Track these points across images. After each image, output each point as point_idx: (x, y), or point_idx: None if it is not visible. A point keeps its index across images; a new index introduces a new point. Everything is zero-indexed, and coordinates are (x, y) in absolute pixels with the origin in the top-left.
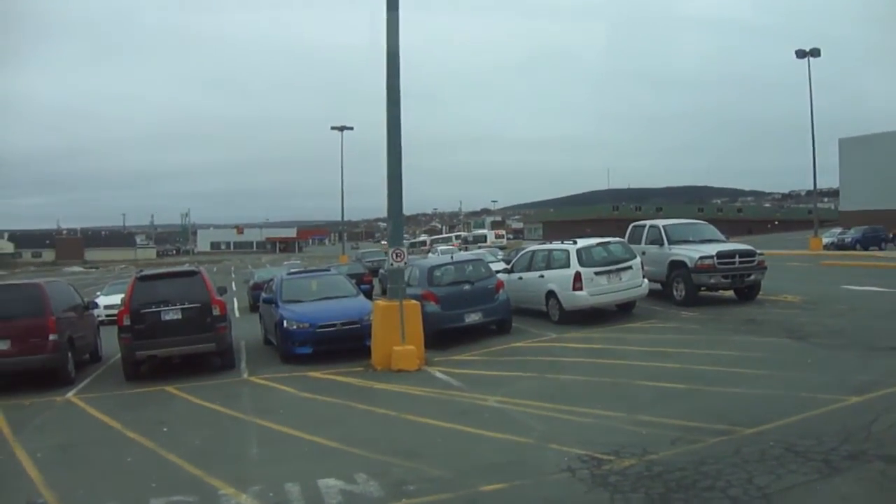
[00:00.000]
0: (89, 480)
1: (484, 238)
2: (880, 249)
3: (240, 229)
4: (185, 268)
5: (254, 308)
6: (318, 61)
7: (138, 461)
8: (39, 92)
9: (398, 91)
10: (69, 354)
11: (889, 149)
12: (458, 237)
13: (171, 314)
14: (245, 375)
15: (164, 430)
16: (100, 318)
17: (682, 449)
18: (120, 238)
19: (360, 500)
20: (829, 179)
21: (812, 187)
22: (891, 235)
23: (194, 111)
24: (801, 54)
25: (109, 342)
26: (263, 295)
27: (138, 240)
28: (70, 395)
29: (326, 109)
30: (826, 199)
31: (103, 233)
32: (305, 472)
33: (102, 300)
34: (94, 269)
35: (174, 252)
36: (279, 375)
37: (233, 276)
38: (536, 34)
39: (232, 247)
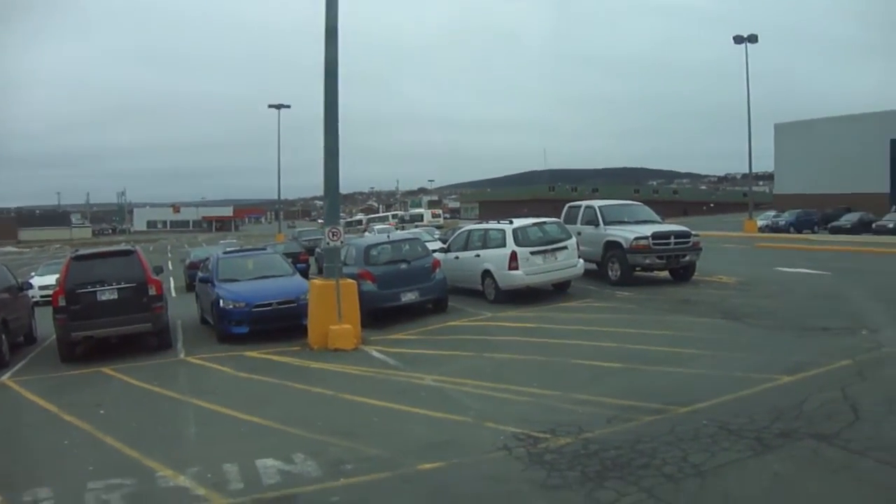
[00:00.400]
0: (25, 464)
1: (420, 217)
2: (813, 232)
3: (176, 208)
4: (121, 247)
5: (190, 287)
6: (257, 38)
7: (75, 444)
8: None
9: (336, 67)
10: (3, 337)
11: (823, 134)
12: (394, 216)
13: (107, 294)
14: (182, 355)
15: (101, 412)
16: (34, 299)
17: (617, 427)
18: (55, 217)
19: (298, 480)
20: (764, 163)
21: (748, 171)
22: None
23: (130, 89)
24: (738, 40)
25: (44, 323)
26: (200, 274)
27: (74, 219)
28: (4, 378)
29: (264, 88)
30: (761, 183)
31: (37, 212)
32: (243, 452)
33: (37, 280)
34: (28, 249)
35: (110, 231)
36: (216, 355)
37: (169, 255)
38: (479, 14)
39: (168, 226)
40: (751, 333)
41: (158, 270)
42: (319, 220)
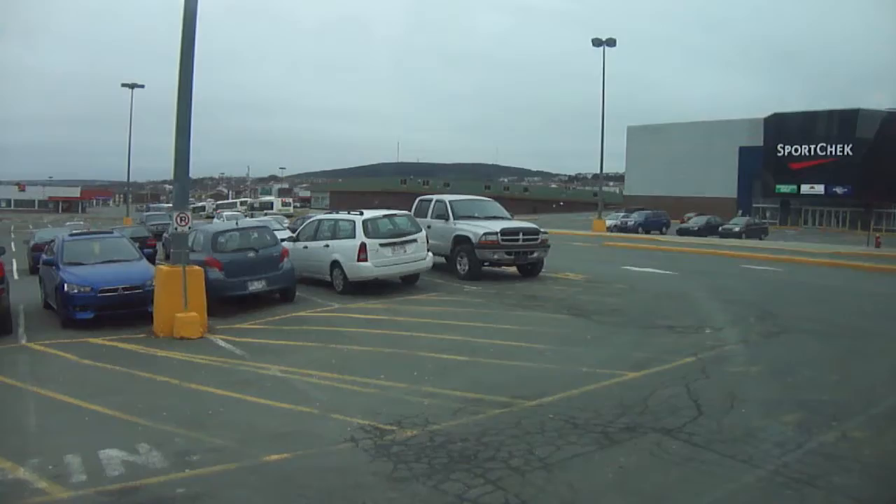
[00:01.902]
0: None
1: (270, 205)
2: (661, 233)
3: (21, 186)
4: None
5: (34, 270)
6: (111, 16)
7: None
8: None
9: (192, 46)
10: None
11: (674, 139)
12: (242, 203)
13: None
14: (23, 341)
15: None
16: None
17: (464, 420)
18: None
19: (143, 471)
20: (616, 164)
21: (599, 171)
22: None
23: None
24: (597, 43)
25: None
26: (44, 256)
27: None
28: None
29: (118, 67)
30: (612, 183)
31: None
32: (86, 442)
33: None
34: None
35: None
36: (59, 341)
37: (12, 235)
38: (332, 1)
39: (12, 205)
40: (597, 330)
41: (0, 251)
42: (167, 205)
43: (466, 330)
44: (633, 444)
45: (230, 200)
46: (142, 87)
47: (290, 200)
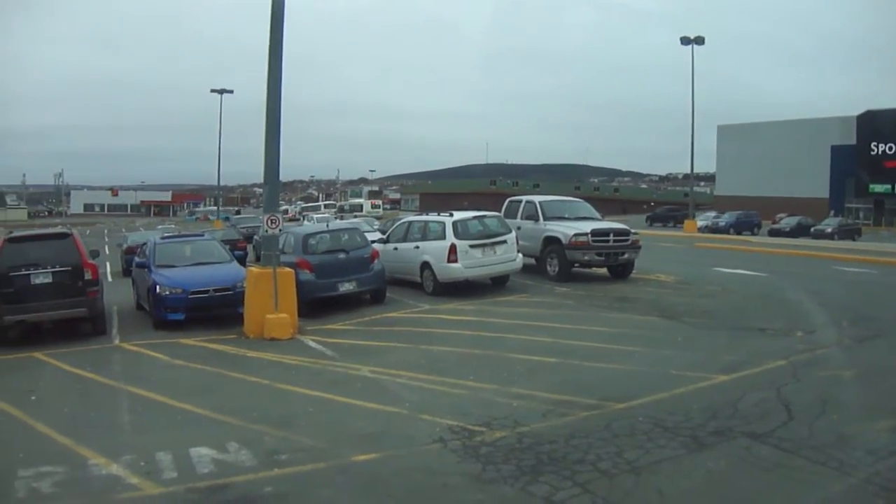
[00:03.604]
0: None
1: (360, 207)
2: (752, 234)
3: (114, 191)
4: (57, 230)
5: (127, 272)
6: (201, 21)
7: (5, 431)
8: None
9: (281, 50)
10: None
11: (765, 138)
12: (327, 206)
13: (42, 278)
14: (116, 342)
15: (33, 398)
16: None
17: (553, 422)
18: None
19: (232, 469)
20: (706, 164)
21: (690, 171)
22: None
23: (70, 69)
24: (685, 41)
25: None
26: (136, 259)
27: (9, 200)
28: None
29: (207, 73)
30: (703, 184)
31: None
32: (177, 440)
33: None
34: None
35: (46, 213)
36: (151, 342)
37: (106, 239)
38: (421, 3)
39: (106, 209)
40: (687, 332)
41: (95, 254)
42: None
43: (556, 331)
44: (723, 449)
45: (315, 203)
46: (230, 92)
47: (380, 202)
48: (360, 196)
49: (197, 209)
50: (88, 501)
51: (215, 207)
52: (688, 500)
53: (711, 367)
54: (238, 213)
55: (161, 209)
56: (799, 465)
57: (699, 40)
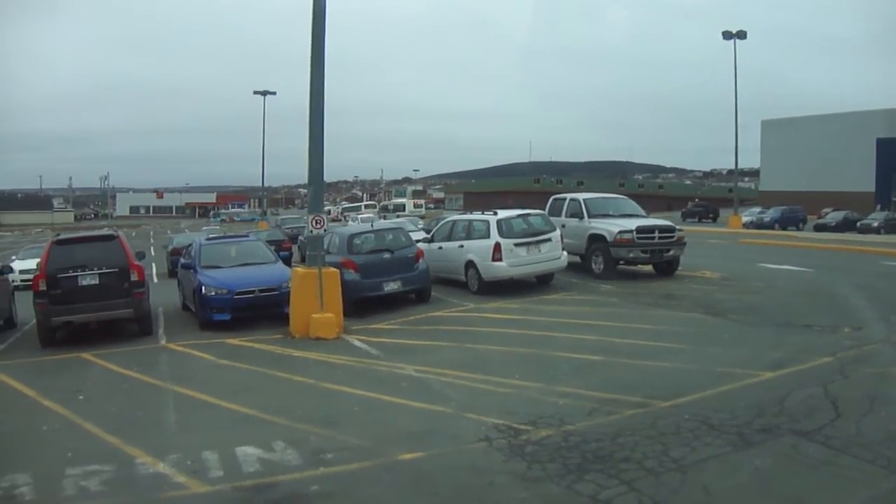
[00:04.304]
0: (3, 450)
1: (403, 207)
2: (797, 229)
3: (159, 194)
4: (103, 232)
5: (172, 274)
6: (242, 24)
7: (54, 430)
8: None
9: (323, 53)
10: None
11: (810, 132)
12: (367, 206)
13: (88, 279)
14: (163, 342)
15: (81, 397)
16: (14, 284)
17: (598, 420)
18: (36, 201)
19: (278, 468)
20: (750, 159)
21: (734, 166)
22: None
23: (114, 72)
24: (727, 36)
25: (25, 308)
26: (182, 260)
27: (55, 203)
28: None
29: (249, 74)
30: (747, 179)
31: (19, 195)
32: (223, 439)
33: (17, 265)
34: (9, 233)
35: (93, 216)
36: (197, 342)
37: (151, 240)
38: (462, 2)
39: (151, 211)
40: (733, 329)
41: (140, 256)
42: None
43: (602, 329)
44: (769, 447)
45: (356, 203)
46: (273, 94)
47: (422, 202)
48: (403, 196)
49: (222, 211)
50: (136, 500)
51: (241, 209)
52: (734, 498)
53: (758, 364)
54: (264, 214)
55: (206, 210)
56: (847, 462)
57: (741, 34)
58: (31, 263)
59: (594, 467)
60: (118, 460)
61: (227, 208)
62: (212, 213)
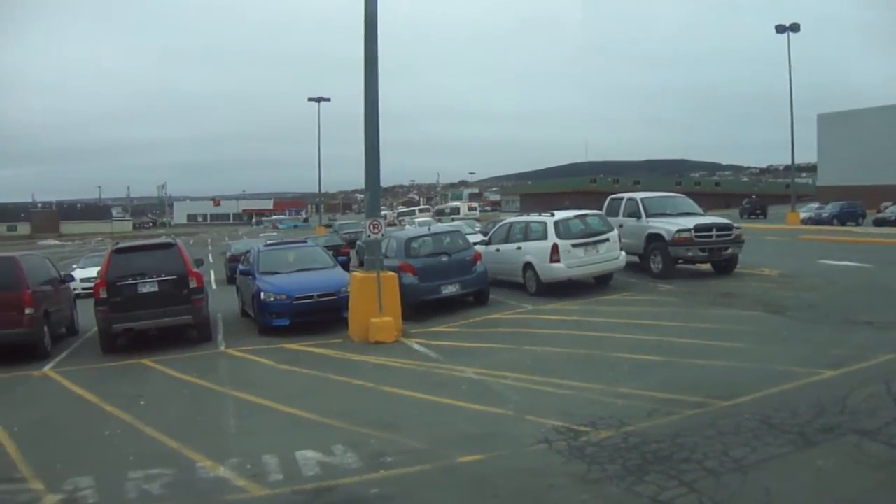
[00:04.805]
0: (67, 454)
1: (457, 210)
2: (857, 225)
3: (216, 201)
4: (162, 240)
5: (231, 280)
6: (295, 32)
7: (116, 434)
8: (10, 65)
9: (376, 59)
10: (45, 328)
11: (867, 125)
12: (422, 210)
13: (148, 287)
14: (222, 348)
15: (142, 402)
16: (76, 292)
17: (658, 421)
18: (96, 210)
19: (338, 472)
20: (807, 154)
21: (790, 162)
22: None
23: (170, 83)
24: (780, 29)
25: (86, 315)
26: (240, 267)
27: (114, 212)
28: (47, 368)
29: (304, 81)
30: (804, 174)
31: (79, 205)
32: (283, 443)
33: (78, 273)
34: (69, 242)
35: (151, 224)
36: (256, 347)
37: (209, 248)
38: (513, 5)
39: (209, 219)
40: (793, 327)
41: (199, 263)
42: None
43: (661, 329)
44: (831, 446)
45: (410, 208)
46: (328, 100)
47: (476, 205)
48: (460, 199)
49: (264, 218)
50: (196, 503)
51: (283, 215)
52: (796, 499)
53: (818, 363)
54: (306, 220)
55: (249, 218)
56: None
57: (794, 27)
58: (92, 272)
59: (654, 468)
60: (179, 464)
61: (285, 214)
62: (254, 219)
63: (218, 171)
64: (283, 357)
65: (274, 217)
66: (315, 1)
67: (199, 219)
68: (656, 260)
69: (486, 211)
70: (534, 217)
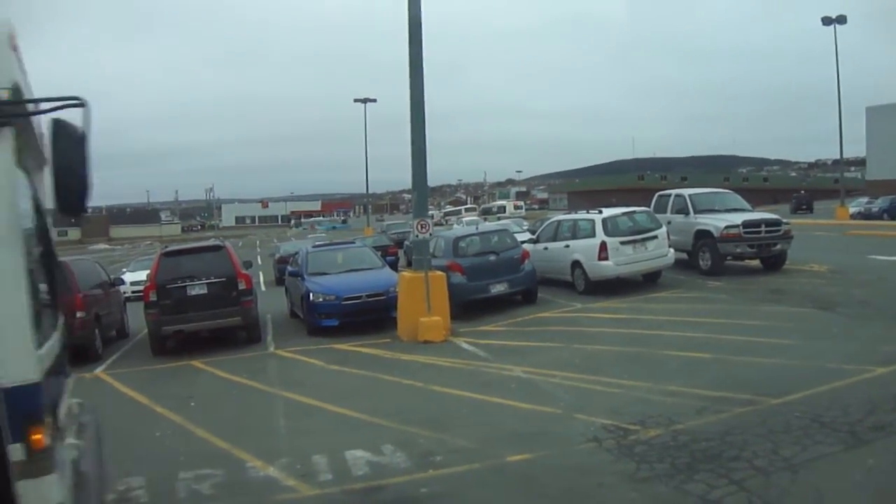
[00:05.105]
0: (118, 455)
1: (503, 209)
2: None
3: (264, 203)
4: (211, 242)
5: (280, 281)
6: (340, 33)
7: (166, 435)
8: (57, 70)
9: (421, 60)
10: (96, 331)
11: None
12: (468, 209)
13: (197, 289)
14: (271, 349)
15: (192, 404)
16: (126, 295)
17: (708, 419)
18: (145, 214)
19: (388, 472)
20: (856, 148)
21: (839, 156)
22: None
23: (217, 86)
24: (826, 21)
25: (136, 318)
26: (289, 268)
27: (163, 216)
28: (98, 371)
29: (350, 82)
30: (853, 169)
31: (128, 210)
32: (332, 443)
33: (128, 276)
34: (119, 246)
35: (199, 227)
36: (306, 348)
37: (258, 249)
38: (558, 1)
39: (257, 221)
40: (843, 323)
41: (248, 265)
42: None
43: (710, 326)
44: (883, 445)
45: (456, 207)
46: (374, 101)
47: (522, 203)
48: (507, 197)
49: (303, 220)
50: (246, 503)
51: (322, 217)
52: (847, 498)
53: (869, 359)
54: (344, 221)
55: (288, 219)
56: None
57: (840, 19)
58: (142, 275)
59: (703, 467)
60: (229, 464)
61: (333, 215)
62: (292, 221)
63: (265, 173)
64: (332, 357)
65: (313, 219)
66: (359, 3)
67: (248, 221)
68: (705, 257)
69: (533, 209)
70: (582, 215)
